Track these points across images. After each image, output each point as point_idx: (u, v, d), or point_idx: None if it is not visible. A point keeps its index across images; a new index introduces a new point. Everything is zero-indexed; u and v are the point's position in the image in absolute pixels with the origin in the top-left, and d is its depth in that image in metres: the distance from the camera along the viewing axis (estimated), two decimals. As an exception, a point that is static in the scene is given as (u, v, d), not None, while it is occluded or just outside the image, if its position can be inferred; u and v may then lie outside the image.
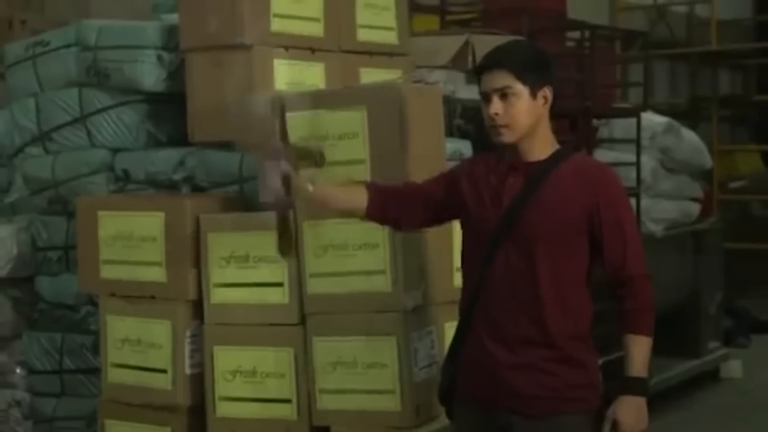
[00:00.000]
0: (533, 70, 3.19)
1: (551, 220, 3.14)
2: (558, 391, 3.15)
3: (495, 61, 3.19)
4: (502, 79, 3.15)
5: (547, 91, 3.21)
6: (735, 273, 8.81)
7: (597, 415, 3.19)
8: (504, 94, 3.15)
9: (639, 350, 3.15)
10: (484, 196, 3.25)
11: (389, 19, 5.15)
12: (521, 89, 3.15)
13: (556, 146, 3.26)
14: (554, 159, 3.21)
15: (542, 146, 3.22)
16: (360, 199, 3.44)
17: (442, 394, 3.43)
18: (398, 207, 3.44)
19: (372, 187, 3.48)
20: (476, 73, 3.26)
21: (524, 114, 3.16)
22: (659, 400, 6.82)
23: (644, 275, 3.19)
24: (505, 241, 3.17)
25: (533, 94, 3.17)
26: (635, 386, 3.16)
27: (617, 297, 3.19)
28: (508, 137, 3.17)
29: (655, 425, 6.26)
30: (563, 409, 3.16)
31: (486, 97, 3.18)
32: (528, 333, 3.16)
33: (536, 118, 3.20)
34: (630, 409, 3.14)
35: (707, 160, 8.01)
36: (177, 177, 4.81)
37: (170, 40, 4.87)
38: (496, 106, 3.15)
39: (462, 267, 3.41)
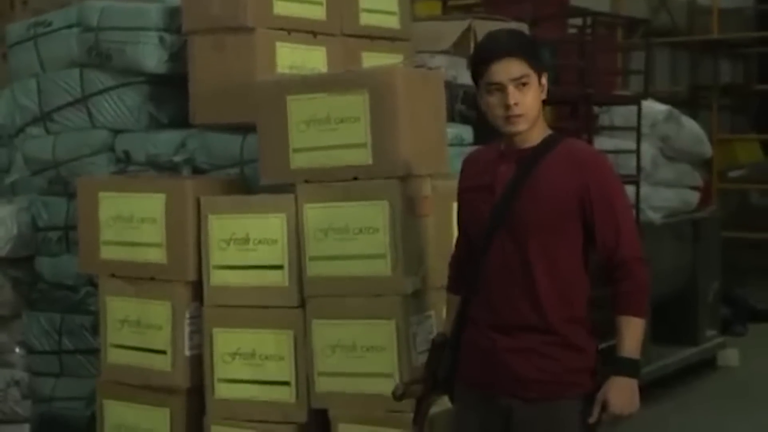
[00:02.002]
0: (538, 57, 3.20)
1: (543, 207, 3.14)
2: (557, 375, 3.16)
3: (508, 49, 3.15)
4: (519, 67, 3.13)
5: (545, 78, 3.22)
6: (733, 262, 8.83)
7: (589, 397, 3.17)
8: (523, 83, 3.13)
9: (631, 331, 3.13)
10: (479, 187, 3.26)
11: (391, 3, 5.15)
12: (534, 77, 3.15)
13: (548, 132, 3.26)
14: (545, 145, 3.21)
15: (537, 132, 3.22)
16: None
17: (442, 381, 3.43)
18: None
19: (454, 288, 3.48)
20: (479, 63, 3.18)
21: (536, 101, 3.17)
22: (656, 387, 6.84)
23: (638, 257, 3.17)
24: (500, 229, 3.18)
25: (540, 81, 3.18)
26: (626, 367, 3.13)
27: (611, 280, 3.17)
28: (522, 126, 3.16)
29: (651, 412, 6.31)
30: (562, 393, 3.16)
31: (498, 87, 3.13)
32: (526, 320, 3.16)
33: (540, 104, 3.21)
34: (621, 391, 3.11)
35: (707, 149, 8.01)
36: (178, 159, 4.81)
37: (172, 21, 4.87)
38: (515, 95, 3.12)
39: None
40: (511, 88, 3.12)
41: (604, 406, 3.12)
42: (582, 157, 3.22)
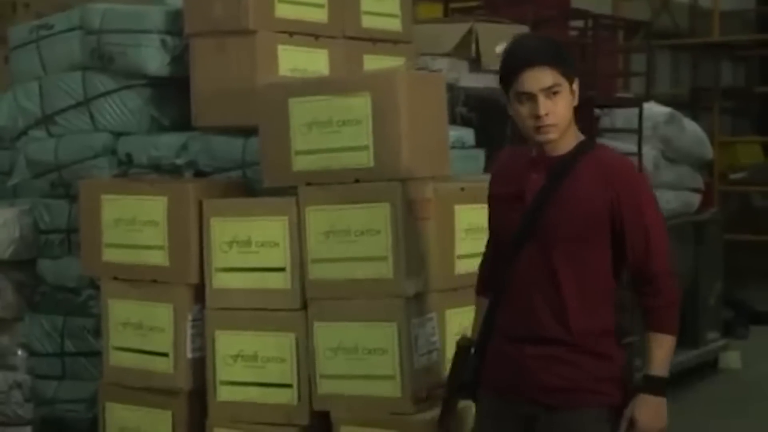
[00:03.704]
0: (569, 64, 3.13)
1: (572, 218, 3.10)
2: (580, 382, 3.12)
3: (538, 58, 3.07)
4: (550, 76, 3.06)
5: (576, 84, 3.14)
6: (735, 264, 8.82)
7: (616, 409, 3.15)
8: (554, 92, 3.06)
9: (660, 349, 3.11)
10: (509, 195, 3.21)
11: (393, 6, 5.15)
12: (565, 84, 3.08)
13: (580, 138, 3.19)
14: (576, 153, 3.14)
15: (568, 140, 3.15)
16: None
17: (466, 385, 3.38)
18: None
19: (483, 290, 3.44)
20: (509, 72, 3.11)
21: (568, 110, 3.11)
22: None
23: (669, 272, 3.12)
24: (528, 239, 3.14)
25: (571, 89, 3.12)
26: (655, 385, 3.12)
27: (640, 294, 3.14)
28: (554, 135, 3.10)
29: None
30: (586, 402, 3.13)
31: (528, 97, 3.07)
32: (551, 332, 3.12)
33: (572, 112, 3.14)
34: (648, 409, 3.11)
35: (708, 151, 8.02)
36: (180, 161, 4.82)
37: (174, 24, 4.87)
38: (546, 105, 3.05)
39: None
40: (541, 98, 3.06)
41: (632, 424, 3.11)
42: (613, 166, 3.16)
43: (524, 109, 3.09)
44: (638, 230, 3.10)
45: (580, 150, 3.16)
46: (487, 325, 3.31)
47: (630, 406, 3.12)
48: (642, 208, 3.12)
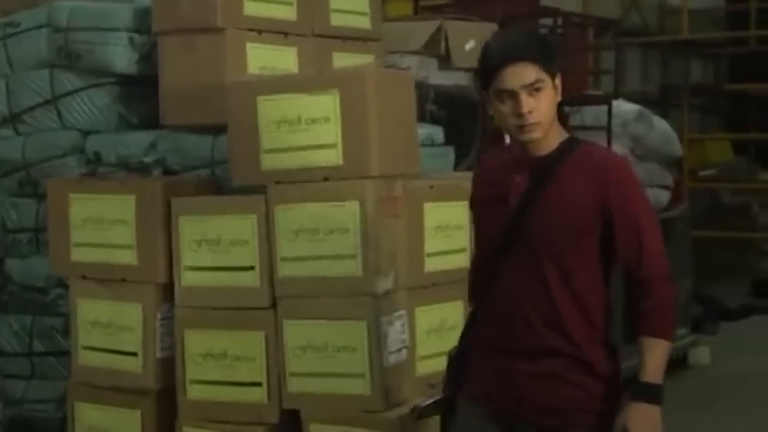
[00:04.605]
0: (552, 59, 2.95)
1: (559, 220, 2.92)
2: (577, 402, 2.96)
3: (518, 53, 2.89)
4: (532, 72, 2.88)
5: (559, 79, 2.98)
6: (704, 260, 8.88)
7: (604, 424, 2.96)
8: (537, 89, 2.88)
9: (654, 354, 2.90)
10: (492, 198, 3.05)
11: (363, 4, 5.15)
12: (548, 81, 2.91)
13: (564, 136, 3.03)
14: (561, 152, 2.97)
15: (553, 138, 2.98)
16: None
17: (444, 400, 3.19)
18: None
19: (470, 298, 3.29)
20: (488, 69, 2.93)
21: (551, 107, 2.93)
22: (627, 386, 6.87)
23: (664, 275, 2.94)
24: (514, 245, 2.96)
25: (554, 85, 2.95)
26: (648, 393, 2.90)
27: (633, 297, 2.94)
28: (537, 134, 2.92)
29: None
30: (583, 422, 2.97)
31: (510, 95, 2.89)
32: (548, 342, 2.95)
33: (555, 109, 2.97)
34: (641, 417, 2.88)
35: (678, 149, 8.06)
36: (148, 160, 4.80)
37: (142, 22, 4.86)
38: (529, 102, 2.88)
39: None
40: (524, 95, 2.88)
41: None
42: (601, 163, 2.97)
43: (505, 108, 2.91)
44: (631, 231, 2.93)
45: (565, 149, 2.99)
46: (468, 336, 3.14)
47: (621, 415, 2.92)
48: (634, 206, 2.94)
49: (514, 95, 2.89)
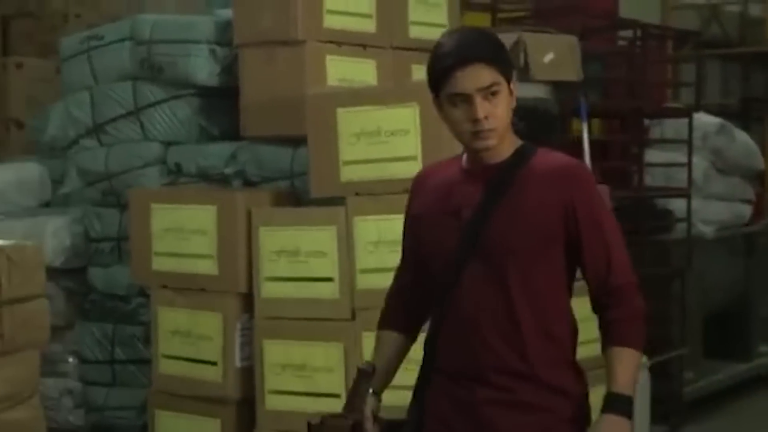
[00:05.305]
0: (508, 61, 2.73)
1: (520, 230, 2.69)
2: (547, 427, 2.72)
3: (473, 54, 2.65)
4: (487, 75, 2.64)
5: (514, 83, 2.74)
6: (786, 276, 8.72)
7: None
8: (492, 93, 2.65)
9: (624, 364, 2.69)
10: (440, 213, 2.78)
11: (441, 16, 5.16)
12: (504, 84, 2.67)
13: (518, 143, 2.78)
14: (517, 158, 2.74)
15: (507, 145, 2.74)
16: (397, 343, 2.96)
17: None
18: (417, 305, 2.92)
19: (389, 324, 3.00)
20: (440, 71, 2.68)
21: (507, 112, 2.70)
22: (707, 403, 6.77)
23: (632, 283, 2.75)
24: (470, 260, 2.71)
25: (509, 89, 2.71)
26: (619, 404, 2.66)
27: (601, 306, 2.74)
28: (493, 140, 2.68)
29: (702, 428, 6.23)
30: None
31: (464, 99, 2.65)
32: (509, 365, 2.71)
33: (510, 114, 2.73)
34: (610, 430, 2.65)
35: (760, 162, 7.93)
36: (228, 171, 4.84)
37: (224, 34, 4.91)
38: (484, 107, 2.64)
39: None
40: (479, 99, 2.63)
41: None
42: (563, 169, 2.75)
43: (458, 113, 2.66)
44: (598, 240, 2.73)
45: (521, 154, 2.75)
46: (426, 365, 2.84)
47: (591, 427, 2.71)
48: (600, 215, 2.75)
49: (468, 99, 2.65)
